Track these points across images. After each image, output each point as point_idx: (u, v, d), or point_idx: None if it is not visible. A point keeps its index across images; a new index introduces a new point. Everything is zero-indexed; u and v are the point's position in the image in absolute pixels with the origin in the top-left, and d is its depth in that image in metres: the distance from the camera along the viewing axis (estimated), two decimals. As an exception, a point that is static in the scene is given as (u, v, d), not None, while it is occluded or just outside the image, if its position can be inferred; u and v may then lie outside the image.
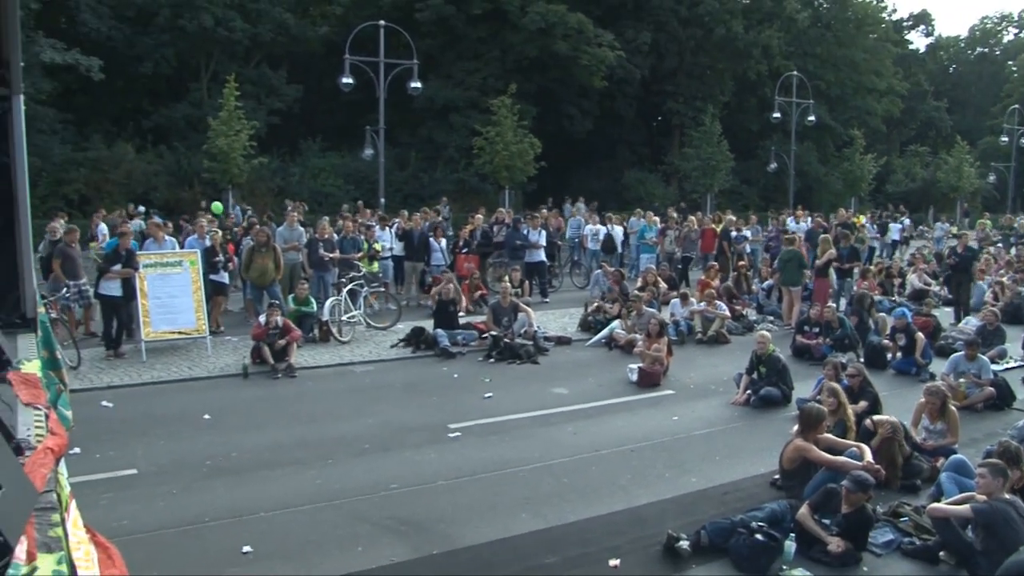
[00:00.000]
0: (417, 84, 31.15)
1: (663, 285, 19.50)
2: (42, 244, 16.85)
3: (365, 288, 16.91)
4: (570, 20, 40.05)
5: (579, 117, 43.81)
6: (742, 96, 53.65)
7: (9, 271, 8.35)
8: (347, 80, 30.27)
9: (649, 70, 46.30)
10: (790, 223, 27.24)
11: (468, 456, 10.06)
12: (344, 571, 7.16)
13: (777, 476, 9.22)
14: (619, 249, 24.66)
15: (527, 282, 20.37)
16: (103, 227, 22.26)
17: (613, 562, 7.40)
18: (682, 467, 9.82)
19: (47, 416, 5.32)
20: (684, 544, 7.52)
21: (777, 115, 44.88)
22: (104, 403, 11.80)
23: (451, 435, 10.77)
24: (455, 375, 14.00)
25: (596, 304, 18.12)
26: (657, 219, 26.18)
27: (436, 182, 39.43)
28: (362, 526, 8.09)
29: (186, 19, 36.92)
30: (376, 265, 18.87)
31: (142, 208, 28.09)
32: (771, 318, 19.04)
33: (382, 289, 18.25)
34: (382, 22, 31.11)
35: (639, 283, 19.29)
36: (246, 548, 7.55)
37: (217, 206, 25.52)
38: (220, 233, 17.29)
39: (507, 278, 18.56)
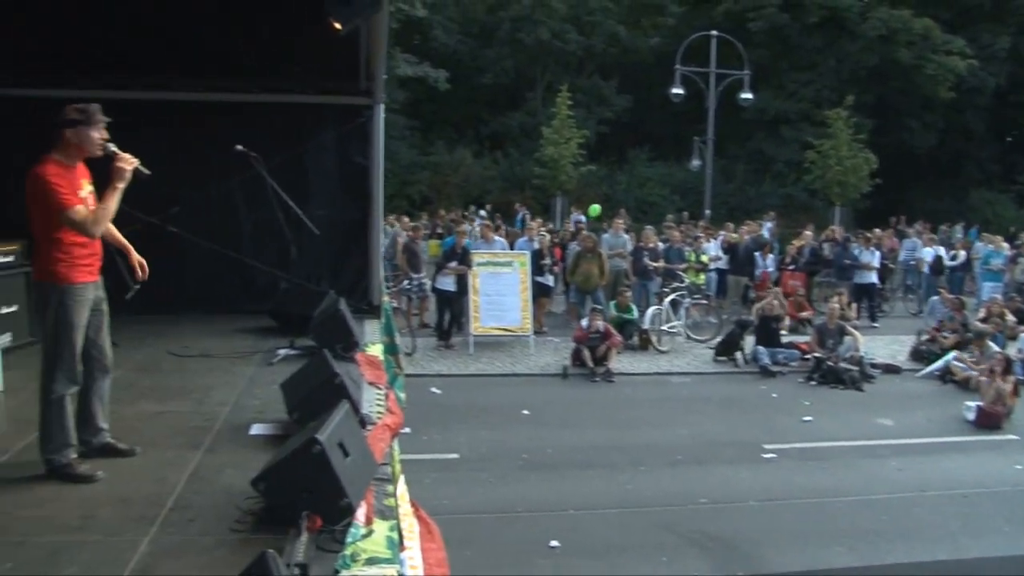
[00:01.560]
0: (748, 95, 30.52)
1: (1010, 318, 17.68)
2: (387, 239, 18.29)
3: (687, 299, 16.79)
4: (915, 26, 37.39)
5: (921, 131, 40.71)
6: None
7: (362, 262, 9.24)
8: (677, 90, 30.26)
9: (1006, 78, 42.17)
10: None
11: (782, 479, 9.74)
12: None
13: None
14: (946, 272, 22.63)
15: (855, 304, 19.30)
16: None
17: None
18: (1025, 522, 8.86)
19: (387, 395, 5.83)
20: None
21: None
22: (433, 389, 12.64)
23: (766, 455, 10.48)
24: (773, 394, 13.58)
25: (931, 333, 16.81)
26: (1006, 244, 23.73)
27: (763, 196, 38.38)
28: (668, 536, 8.07)
29: (524, 33, 38.81)
30: (702, 277, 18.68)
31: (483, 212, 29.66)
32: None
33: (704, 302, 18.04)
34: (714, 32, 30.83)
35: (982, 314, 17.64)
36: (554, 543, 7.79)
37: (595, 209, 26.24)
38: (548, 237, 17.89)
39: (834, 298, 17.68)
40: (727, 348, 15.41)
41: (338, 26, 6.25)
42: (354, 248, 9.29)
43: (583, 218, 25.10)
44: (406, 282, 15.95)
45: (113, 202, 4.28)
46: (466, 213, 29.02)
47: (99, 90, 7.75)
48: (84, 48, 8.01)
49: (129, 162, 4.33)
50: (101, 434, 4.61)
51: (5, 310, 7.34)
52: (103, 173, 4.39)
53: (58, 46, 8.04)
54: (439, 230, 23.66)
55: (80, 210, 4.18)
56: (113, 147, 4.34)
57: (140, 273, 4.94)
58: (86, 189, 4.33)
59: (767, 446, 10.74)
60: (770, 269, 19.43)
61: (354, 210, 9.21)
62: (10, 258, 7.49)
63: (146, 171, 4.45)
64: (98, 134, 4.26)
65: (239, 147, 6.84)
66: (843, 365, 14.42)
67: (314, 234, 7.51)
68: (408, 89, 36.77)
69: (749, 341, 15.41)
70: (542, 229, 18.99)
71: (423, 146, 38.55)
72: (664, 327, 16.13)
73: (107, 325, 4.61)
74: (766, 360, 14.78)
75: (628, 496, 9.03)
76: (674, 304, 16.42)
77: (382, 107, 9.11)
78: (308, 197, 8.68)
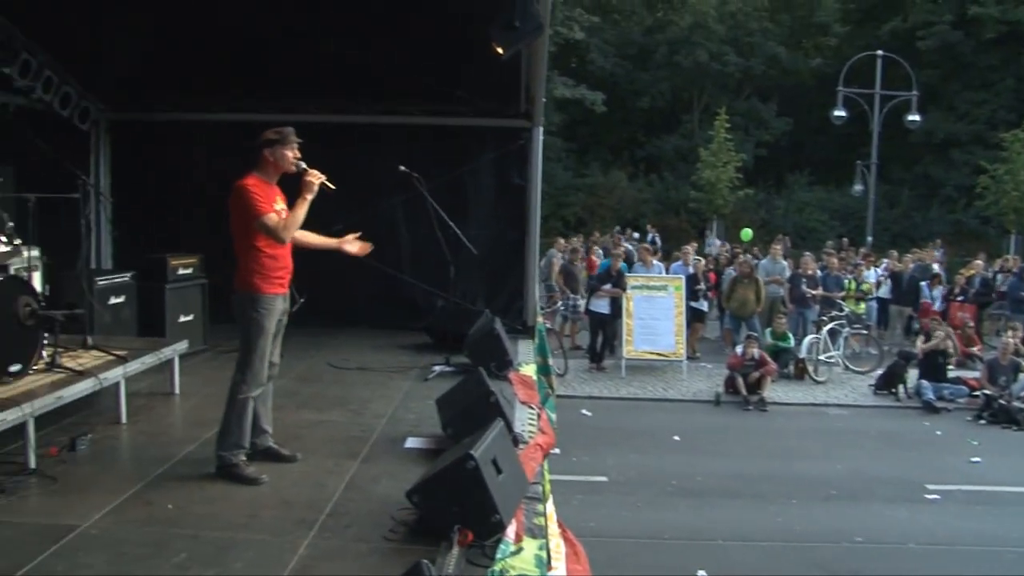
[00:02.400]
0: (915, 117, 29.26)
1: None
2: (543, 261, 18.43)
3: (846, 328, 16.22)
4: (1104, 42, 35.08)
5: (1112, 154, 38.14)
6: None
7: (518, 283, 9.37)
8: (839, 113, 29.34)
9: None
10: None
11: (946, 523, 9.23)
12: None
13: None
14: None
15: (1031, 340, 18.18)
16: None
17: None
18: None
19: (539, 415, 5.87)
20: None
21: None
22: (584, 411, 12.66)
23: (928, 496, 9.97)
24: (938, 432, 12.91)
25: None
26: None
27: (930, 222, 36.66)
28: (820, 574, 7.80)
29: (682, 55, 38.55)
30: (862, 306, 18.02)
31: (637, 234, 29.54)
32: None
33: (864, 331, 17.38)
34: (879, 52, 29.73)
35: None
36: (701, 572, 7.65)
37: (746, 233, 25.91)
38: (703, 261, 17.67)
39: (1009, 332, 16.70)
40: (888, 381, 14.80)
41: (501, 50, 6.37)
42: (511, 268, 9.44)
43: (717, 242, 24.72)
44: (560, 303, 16.05)
45: (301, 212, 4.67)
46: (622, 235, 28.91)
47: (278, 114, 8.23)
48: (267, 78, 8.51)
49: (317, 177, 4.71)
50: (264, 436, 4.91)
51: (183, 319, 7.82)
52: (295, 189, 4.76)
53: (245, 76, 8.56)
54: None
55: (272, 217, 4.57)
56: (304, 164, 4.73)
57: (361, 250, 5.30)
58: (280, 204, 4.72)
59: (930, 486, 10.21)
60: (937, 301, 18.53)
61: (511, 231, 9.36)
62: (189, 271, 7.96)
63: (331, 186, 4.80)
64: (291, 153, 4.69)
65: (402, 167, 7.06)
66: (1017, 404, 13.59)
67: (472, 254, 7.66)
68: (565, 111, 37.09)
69: (912, 374, 14.74)
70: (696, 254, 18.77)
71: (578, 168, 38.76)
72: (821, 357, 15.63)
73: (282, 335, 4.91)
74: (931, 395, 14.09)
75: (778, 529, 8.78)
76: (832, 333, 15.89)
77: (541, 129, 9.24)
78: (467, 217, 8.88)
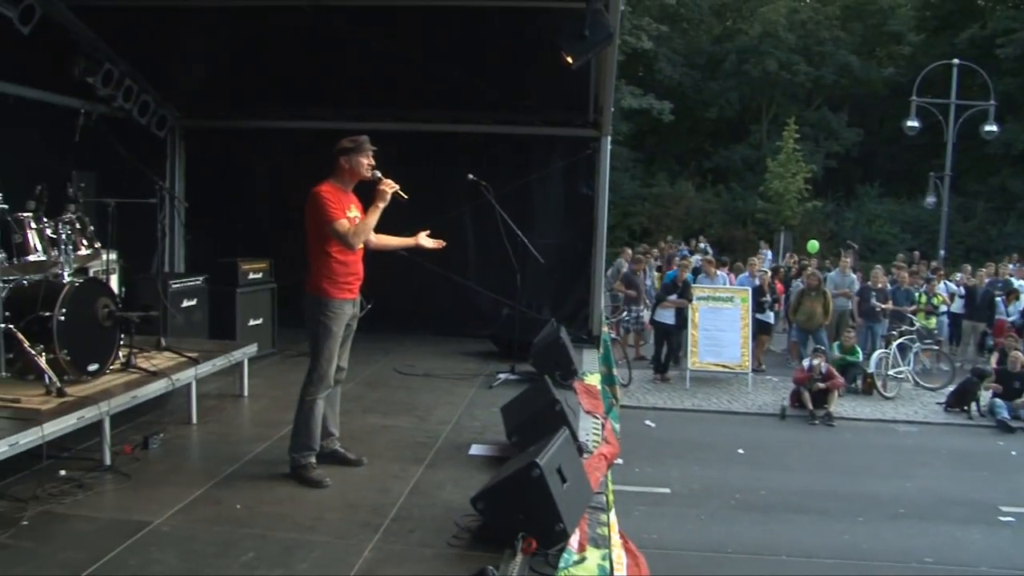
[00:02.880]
0: (993, 127, 28.48)
1: None
2: (610, 270, 18.35)
3: (917, 344, 15.88)
4: None
5: None
6: None
7: (584, 292, 9.37)
8: (912, 123, 28.69)
9: None
10: None
11: (1022, 547, 8.96)
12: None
13: None
14: None
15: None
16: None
17: None
18: None
19: (603, 425, 5.86)
20: None
21: None
22: (647, 422, 12.58)
23: (1003, 518, 9.68)
24: (1013, 452, 12.52)
25: None
26: None
27: (1006, 236, 35.62)
28: (888, 594, 7.65)
29: (751, 64, 38.06)
30: (933, 321, 17.62)
31: (703, 245, 29.28)
32: None
33: (936, 347, 16.99)
34: (955, 61, 29.03)
35: None
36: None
37: (813, 245, 25.61)
38: (769, 273, 17.45)
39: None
40: (960, 398, 14.42)
41: (570, 60, 6.39)
42: (577, 277, 9.44)
43: (769, 254, 24.55)
44: (625, 313, 15.98)
45: (372, 219, 4.76)
46: (687, 245, 28.69)
47: (349, 122, 8.38)
48: (339, 87, 8.67)
49: (390, 186, 4.79)
50: (331, 439, 4.99)
51: (252, 322, 7.96)
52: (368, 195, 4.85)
53: (316, 84, 8.73)
54: (658, 262, 23.55)
55: (344, 223, 4.65)
56: (378, 173, 4.82)
57: (436, 245, 5.33)
58: (353, 212, 4.80)
59: (1005, 508, 9.91)
60: (1013, 317, 18.01)
61: (578, 240, 9.37)
62: (259, 275, 8.11)
63: (404, 196, 4.88)
64: (367, 160, 4.78)
65: (471, 176, 7.10)
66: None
67: (539, 262, 7.67)
68: (632, 121, 36.93)
69: (985, 392, 14.36)
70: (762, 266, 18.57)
71: (645, 178, 38.54)
72: (891, 372, 15.30)
73: (350, 340, 4.98)
74: (1005, 414, 13.69)
75: (844, 547, 8.61)
76: (902, 348, 15.55)
77: (608, 139, 9.24)
78: (534, 226, 8.91)
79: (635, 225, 35.43)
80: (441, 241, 5.32)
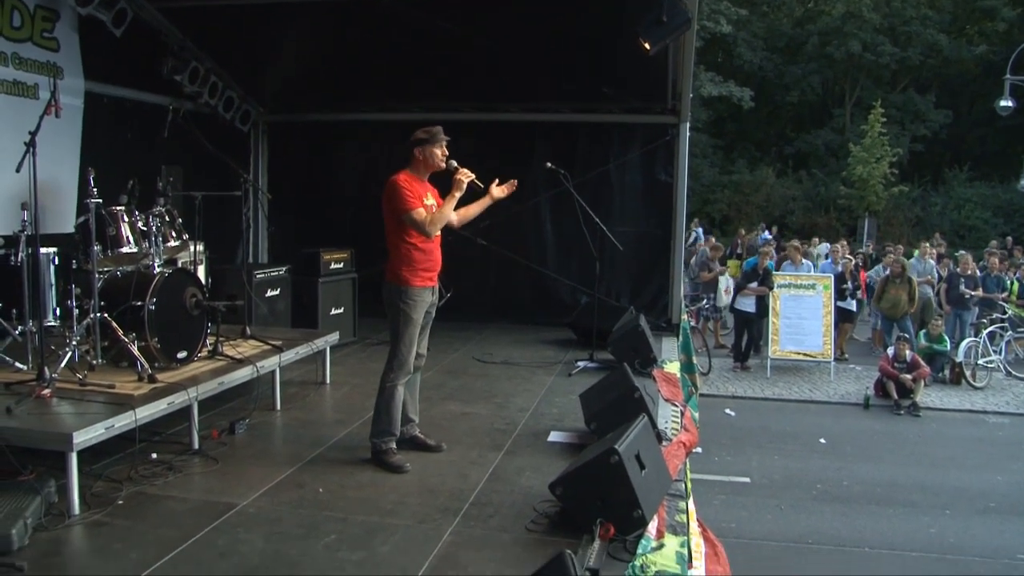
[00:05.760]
0: (1093, 106, 27.46)
1: None
2: (694, 258, 18.14)
3: (1009, 332, 15.39)
4: None
5: None
6: None
7: (663, 280, 9.33)
8: (1006, 103, 27.72)
9: None
10: None
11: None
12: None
13: None
14: None
15: None
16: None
17: None
18: None
19: (683, 413, 5.84)
20: None
21: None
22: (727, 411, 12.45)
23: (1101, 513, 9.35)
24: (1112, 444, 12.11)
25: None
26: None
27: (1107, 221, 34.36)
28: (976, 590, 7.44)
29: (833, 47, 37.09)
30: (1028, 309, 17.04)
31: (767, 235, 28.86)
32: None
33: (1029, 335, 16.45)
34: (1055, 35, 27.97)
35: None
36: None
37: None
38: (853, 260, 17.08)
39: None
40: (1057, 389, 13.98)
41: (648, 46, 6.35)
42: (656, 265, 9.40)
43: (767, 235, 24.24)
44: (704, 301, 15.85)
45: (448, 208, 4.83)
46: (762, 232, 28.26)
47: (428, 113, 8.48)
48: (428, 79, 8.77)
49: (466, 175, 4.88)
50: (411, 425, 5.08)
51: (334, 311, 8.11)
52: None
53: (396, 76, 8.84)
54: (739, 251, 23.25)
55: (420, 211, 4.73)
56: (454, 163, 4.90)
57: (509, 187, 5.23)
58: (430, 200, 4.88)
59: (1103, 503, 9.59)
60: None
61: (657, 227, 9.32)
62: (341, 265, 8.25)
63: (480, 185, 4.97)
64: (440, 151, 4.84)
65: (549, 164, 7.12)
66: None
67: (618, 250, 7.65)
68: (711, 108, 36.41)
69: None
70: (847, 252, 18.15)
71: (725, 165, 37.99)
72: (980, 361, 14.85)
73: (429, 328, 5.06)
74: (1105, 405, 13.24)
75: (931, 541, 8.40)
76: (992, 337, 15.08)
77: (687, 125, 9.16)
78: (612, 214, 8.92)
79: (715, 212, 35.01)
80: (513, 181, 5.22)
